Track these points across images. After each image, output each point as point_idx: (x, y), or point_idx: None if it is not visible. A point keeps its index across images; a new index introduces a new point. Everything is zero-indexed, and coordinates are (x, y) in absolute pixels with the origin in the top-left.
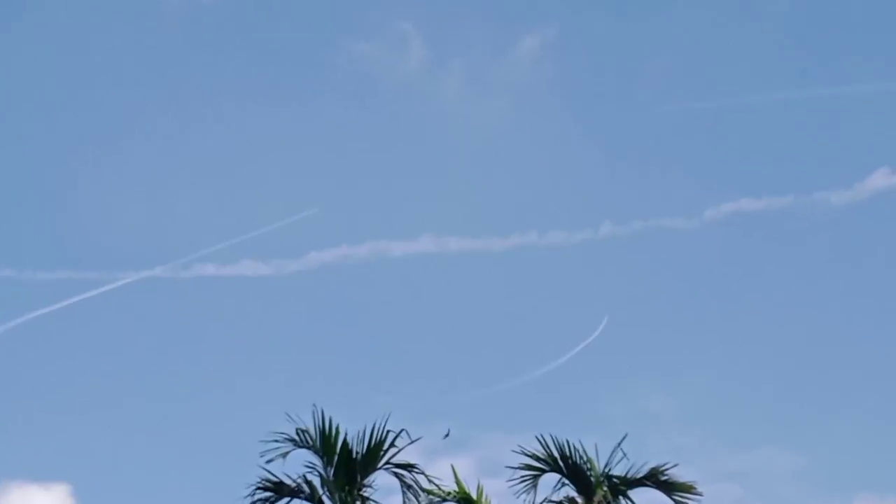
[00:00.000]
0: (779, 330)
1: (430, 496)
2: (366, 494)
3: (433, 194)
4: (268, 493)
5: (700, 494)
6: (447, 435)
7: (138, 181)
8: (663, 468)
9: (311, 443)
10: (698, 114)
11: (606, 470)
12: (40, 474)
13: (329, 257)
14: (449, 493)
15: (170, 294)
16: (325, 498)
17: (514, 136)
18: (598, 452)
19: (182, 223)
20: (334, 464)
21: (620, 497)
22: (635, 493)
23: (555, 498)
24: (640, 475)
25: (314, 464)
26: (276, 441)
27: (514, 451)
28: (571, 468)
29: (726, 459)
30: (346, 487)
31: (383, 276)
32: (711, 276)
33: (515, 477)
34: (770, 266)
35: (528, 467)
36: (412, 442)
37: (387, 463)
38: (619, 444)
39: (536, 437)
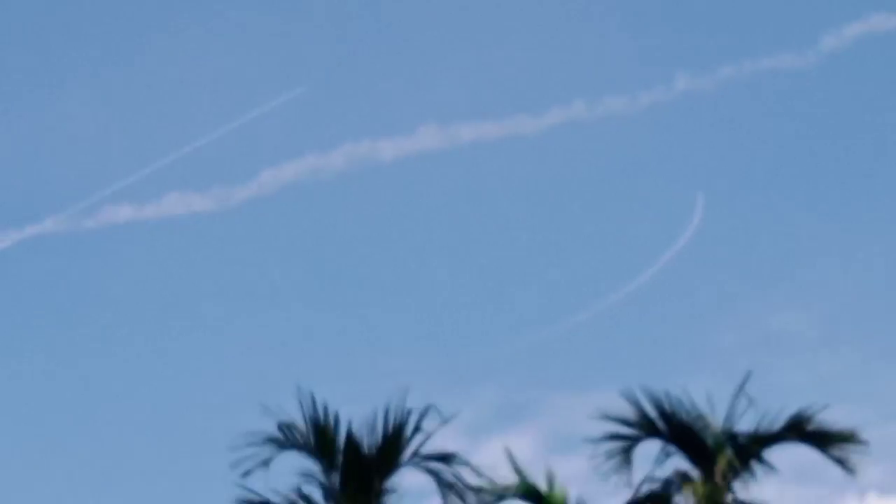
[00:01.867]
0: None
1: (482, 494)
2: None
3: (431, 72)
4: None
5: (864, 443)
6: None
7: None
8: (808, 413)
9: (301, 441)
10: None
11: (729, 426)
12: None
13: (290, 173)
14: (507, 489)
15: (69, 252)
16: None
17: None
18: (712, 403)
19: (77, 155)
20: (339, 466)
21: (753, 461)
22: (774, 453)
23: (660, 474)
24: (778, 427)
25: (311, 470)
26: (253, 444)
27: (593, 416)
28: (678, 429)
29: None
30: (360, 497)
31: (370, 189)
32: (842, 129)
33: (600, 451)
34: None
35: (617, 437)
36: (446, 421)
37: (414, 456)
38: (743, 386)
39: (622, 393)
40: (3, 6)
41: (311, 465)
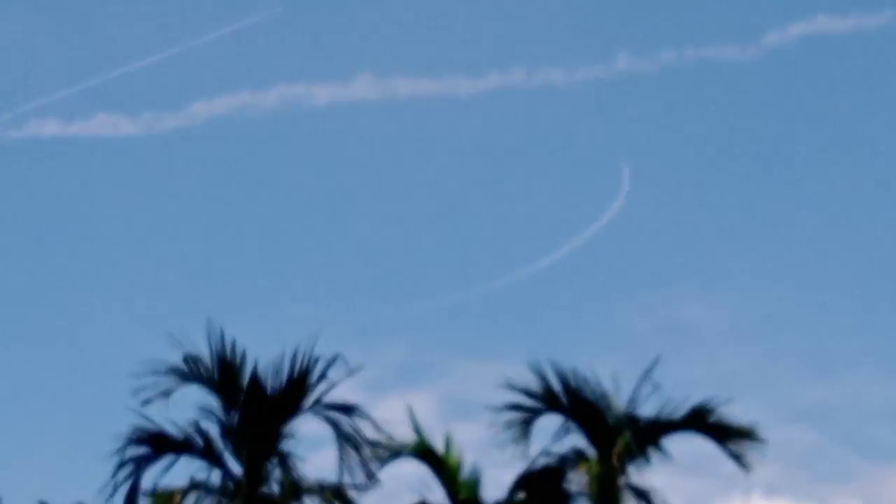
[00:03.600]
0: (876, 202)
1: (379, 449)
2: (285, 449)
3: (372, 23)
4: (144, 449)
5: (761, 441)
6: None
7: None
8: (711, 405)
9: (205, 375)
10: None
11: (631, 409)
12: None
13: (222, 108)
14: (404, 446)
15: None
16: (226, 454)
17: None
18: (618, 384)
19: (7, 64)
20: (240, 404)
21: (650, 446)
22: (672, 441)
23: (557, 449)
24: (679, 416)
25: (211, 406)
26: (155, 373)
27: (497, 384)
28: (580, 406)
29: (798, 391)
30: (257, 439)
31: (301, 133)
32: (774, 126)
33: (500, 420)
34: (858, 99)
35: (518, 407)
36: (352, 373)
37: (316, 403)
38: (649, 371)
39: (529, 365)
40: None
41: (212, 401)
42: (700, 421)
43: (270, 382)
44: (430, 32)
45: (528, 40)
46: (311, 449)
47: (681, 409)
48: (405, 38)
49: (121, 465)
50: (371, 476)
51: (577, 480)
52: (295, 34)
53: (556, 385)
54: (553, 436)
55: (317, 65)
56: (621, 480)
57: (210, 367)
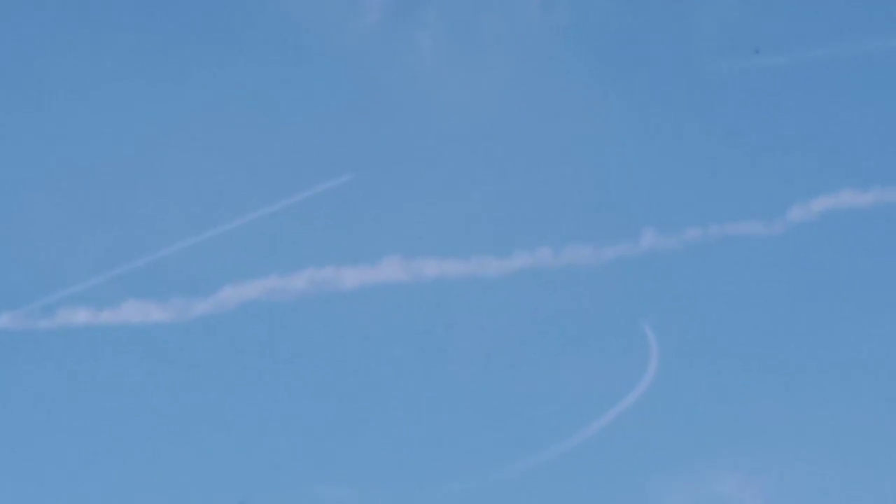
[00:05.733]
0: None
1: None
2: None
3: (401, 206)
4: None
5: None
6: None
7: None
8: None
9: None
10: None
11: None
12: None
13: (252, 292)
14: None
15: (20, 354)
16: None
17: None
18: None
19: (37, 252)
20: None
21: None
22: None
23: None
24: None
25: None
26: None
27: None
28: None
29: None
30: None
31: (331, 315)
32: (802, 299)
33: None
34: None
35: None
36: None
37: None
38: None
39: None
40: None
41: None
42: None
43: None
44: (455, 214)
45: (552, 220)
46: None
47: None
48: (430, 220)
49: None
50: None
51: None
52: (322, 218)
53: None
54: None
55: (345, 249)
56: None
57: None
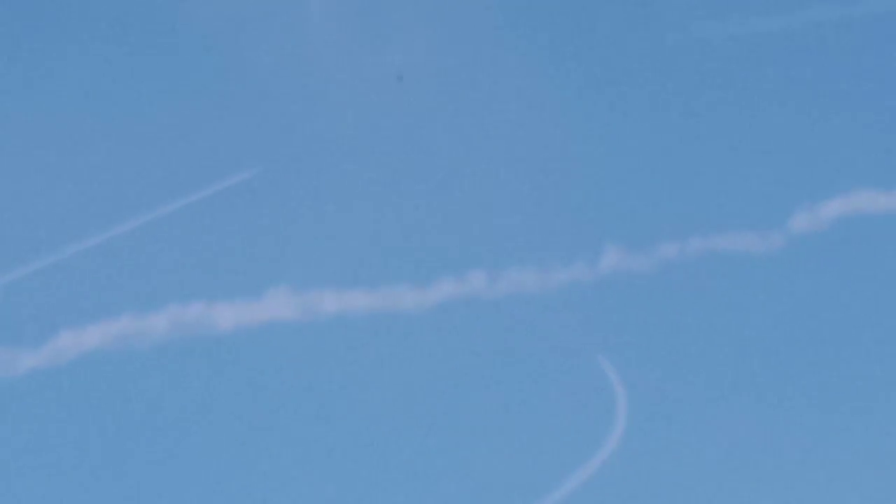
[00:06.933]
0: None
1: None
2: None
3: (293, 219)
4: None
5: None
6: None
7: None
8: None
9: None
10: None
11: None
12: None
13: (95, 338)
14: None
15: None
16: None
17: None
18: None
19: None
20: None
21: None
22: None
23: None
24: None
25: None
26: None
27: None
28: None
29: None
30: None
31: (200, 364)
32: (810, 329)
33: None
34: None
35: None
36: None
37: None
38: None
39: None
40: None
41: None
42: None
43: None
44: (365, 240)
45: (490, 236)
46: None
47: None
48: (321, 244)
49: None
50: None
51: None
52: (186, 248)
53: None
54: None
55: (214, 282)
56: None
57: None
